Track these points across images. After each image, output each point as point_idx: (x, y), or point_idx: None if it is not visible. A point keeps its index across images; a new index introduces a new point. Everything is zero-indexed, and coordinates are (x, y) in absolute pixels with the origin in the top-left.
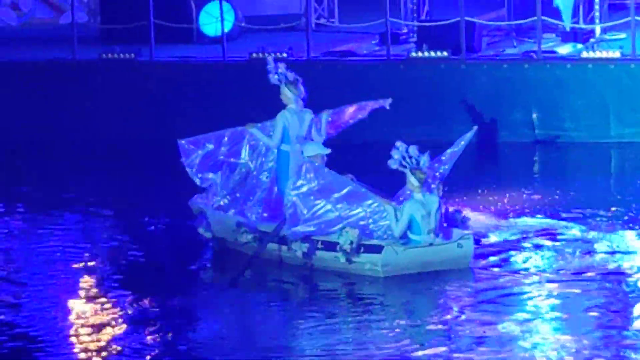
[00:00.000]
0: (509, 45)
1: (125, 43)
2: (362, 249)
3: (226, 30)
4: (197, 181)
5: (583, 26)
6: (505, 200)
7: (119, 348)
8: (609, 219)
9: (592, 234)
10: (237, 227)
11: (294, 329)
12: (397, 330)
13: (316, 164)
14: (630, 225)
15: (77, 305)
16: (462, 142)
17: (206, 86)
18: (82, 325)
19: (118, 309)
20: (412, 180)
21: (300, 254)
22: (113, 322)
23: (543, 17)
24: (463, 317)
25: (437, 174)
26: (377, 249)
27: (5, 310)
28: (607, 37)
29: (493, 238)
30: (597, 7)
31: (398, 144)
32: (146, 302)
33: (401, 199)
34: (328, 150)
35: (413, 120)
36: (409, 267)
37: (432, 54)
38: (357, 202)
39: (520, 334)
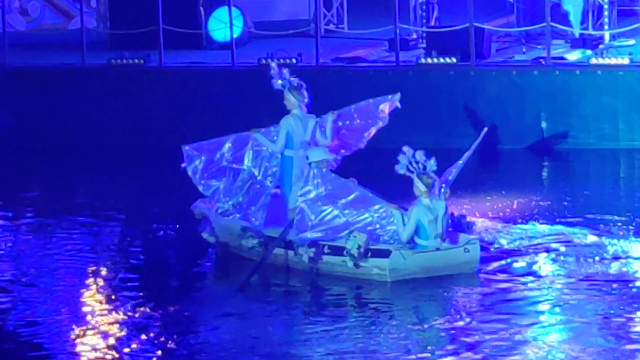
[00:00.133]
0: (518, 51)
1: (134, 49)
2: (369, 254)
3: (235, 36)
4: (200, 188)
5: (592, 32)
6: (514, 206)
7: (124, 352)
8: (617, 225)
9: (600, 240)
10: (242, 231)
11: (300, 335)
12: (405, 335)
13: (323, 169)
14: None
15: (82, 309)
16: (474, 144)
17: (215, 92)
18: (88, 329)
19: (123, 313)
20: (419, 185)
21: (306, 258)
22: (118, 327)
23: (552, 24)
24: (470, 322)
25: (449, 177)
26: (385, 254)
27: (12, 312)
28: (616, 43)
29: (501, 244)
30: (606, 13)
31: (405, 148)
32: (151, 307)
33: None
34: (333, 156)
35: (422, 127)
36: (416, 271)
37: (441, 60)
38: (364, 207)
39: (527, 339)
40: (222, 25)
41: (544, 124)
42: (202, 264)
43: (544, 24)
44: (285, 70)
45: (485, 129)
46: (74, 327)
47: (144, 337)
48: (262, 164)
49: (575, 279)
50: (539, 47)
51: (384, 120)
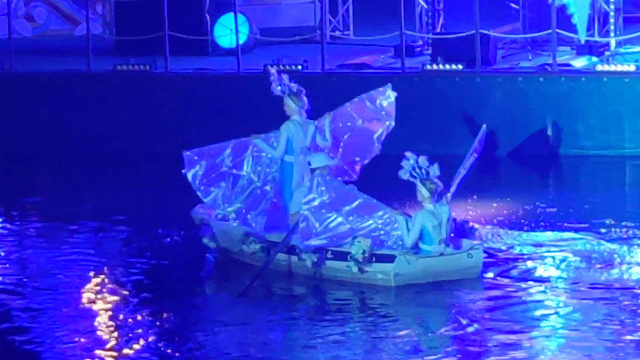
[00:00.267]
0: (524, 58)
1: (140, 55)
2: (374, 259)
3: (241, 42)
4: (199, 193)
5: (598, 39)
6: (520, 213)
7: (122, 357)
8: (623, 231)
9: (605, 247)
10: (244, 236)
11: (303, 340)
12: (409, 341)
13: (327, 176)
14: None
15: (87, 317)
16: (474, 145)
17: (221, 98)
18: (91, 337)
19: (124, 319)
20: (423, 191)
21: (309, 263)
22: (118, 332)
23: (558, 30)
24: (474, 328)
25: (452, 184)
26: (389, 259)
27: (18, 318)
28: (622, 50)
29: (506, 250)
30: (612, 20)
31: (408, 154)
32: (153, 312)
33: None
34: (335, 162)
35: (427, 133)
36: (420, 276)
37: (447, 66)
38: (368, 214)
39: (531, 346)
40: (228, 32)
41: (549, 131)
42: (204, 270)
43: (550, 30)
44: (284, 76)
45: (484, 127)
46: (79, 333)
47: (143, 342)
48: (262, 170)
49: (580, 285)
50: (544, 53)
51: (390, 119)
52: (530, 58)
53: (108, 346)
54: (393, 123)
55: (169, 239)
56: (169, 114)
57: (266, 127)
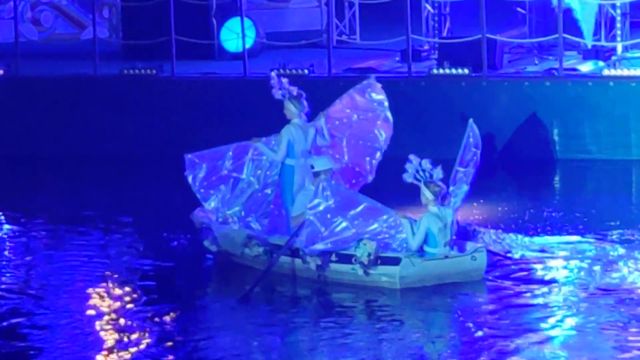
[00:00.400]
0: (530, 62)
1: (146, 59)
2: (379, 261)
3: (247, 46)
4: (199, 196)
5: (605, 44)
6: (526, 217)
7: None
8: (629, 236)
9: (611, 252)
10: (247, 239)
11: (308, 343)
12: (413, 345)
13: (333, 181)
14: None
15: (90, 320)
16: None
17: (227, 102)
18: (93, 340)
19: (129, 323)
20: (427, 194)
21: (313, 266)
22: (123, 337)
23: (564, 35)
24: (478, 332)
25: (459, 191)
26: (395, 261)
27: (22, 320)
28: (628, 55)
29: (511, 253)
30: (618, 24)
31: (411, 157)
32: (158, 318)
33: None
34: (338, 165)
35: (434, 137)
36: (425, 279)
37: (454, 71)
38: (373, 218)
39: (536, 349)
40: (235, 36)
41: (555, 135)
42: (207, 273)
43: (557, 35)
44: (284, 80)
45: (471, 121)
46: (82, 336)
47: (145, 346)
48: (262, 174)
49: (585, 290)
50: (551, 58)
51: (385, 109)
52: (536, 62)
53: (110, 349)
54: (389, 113)
55: (175, 242)
56: (176, 117)
57: (272, 131)
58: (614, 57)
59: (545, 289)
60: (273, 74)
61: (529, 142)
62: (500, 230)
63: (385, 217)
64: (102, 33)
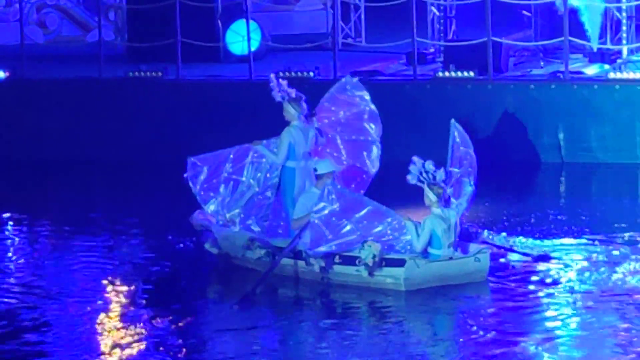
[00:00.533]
0: (536, 65)
1: (151, 61)
2: (383, 263)
3: (253, 49)
4: (198, 198)
5: (610, 47)
6: (531, 220)
7: None
8: (634, 239)
9: (616, 255)
10: (250, 242)
11: (312, 346)
12: (418, 347)
13: (338, 185)
14: None
15: (93, 322)
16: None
17: (233, 105)
18: (97, 342)
19: (133, 325)
20: (430, 196)
21: (317, 268)
22: (127, 340)
23: (570, 38)
24: (483, 335)
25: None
26: (400, 263)
27: (28, 322)
28: (634, 58)
29: (517, 257)
30: (624, 27)
31: (415, 158)
32: (161, 320)
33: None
34: (340, 167)
35: (439, 140)
36: (429, 280)
37: (459, 74)
38: (377, 220)
39: (540, 352)
40: (240, 39)
41: (561, 138)
42: (211, 276)
43: (562, 38)
44: (283, 82)
45: (453, 121)
46: (85, 340)
47: (148, 349)
48: (262, 176)
49: (590, 292)
50: (556, 61)
51: (367, 103)
52: (542, 65)
53: (112, 350)
54: (373, 106)
55: (181, 245)
56: (181, 120)
57: (278, 133)
58: (619, 60)
59: (549, 292)
60: (272, 76)
61: (534, 145)
62: (504, 232)
63: (389, 219)
64: (108, 35)
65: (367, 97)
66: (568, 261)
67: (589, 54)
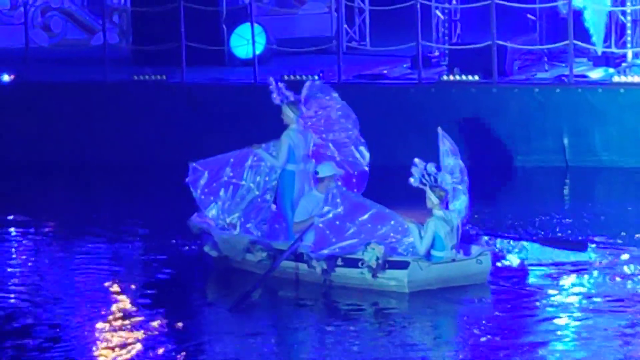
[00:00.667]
0: (540, 69)
1: (156, 65)
2: (387, 265)
3: (257, 52)
4: (199, 203)
5: (615, 50)
6: (536, 223)
7: None
8: (638, 243)
9: (619, 258)
10: (251, 245)
11: (314, 348)
12: (423, 348)
13: (344, 188)
14: None
15: (95, 325)
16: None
17: (237, 108)
18: (99, 344)
19: (135, 329)
20: (432, 198)
21: (319, 270)
22: (129, 343)
23: (575, 42)
24: (486, 338)
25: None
26: (403, 265)
27: (31, 326)
28: (639, 61)
29: (521, 260)
30: (629, 31)
31: (417, 160)
32: (163, 323)
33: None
34: (342, 171)
35: None
36: (432, 282)
37: (464, 77)
38: (381, 223)
39: (540, 356)
40: (245, 42)
41: (566, 142)
42: (215, 278)
43: (567, 41)
44: (281, 85)
45: (439, 129)
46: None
47: (150, 352)
48: (261, 180)
49: (593, 296)
50: (561, 65)
51: (338, 99)
52: (546, 69)
53: (114, 352)
54: (340, 100)
55: (186, 247)
56: (186, 123)
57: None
58: (624, 64)
59: (552, 295)
60: (271, 79)
61: (539, 149)
62: (509, 236)
63: (392, 222)
64: (112, 39)
65: (335, 94)
66: (571, 264)
67: (594, 58)
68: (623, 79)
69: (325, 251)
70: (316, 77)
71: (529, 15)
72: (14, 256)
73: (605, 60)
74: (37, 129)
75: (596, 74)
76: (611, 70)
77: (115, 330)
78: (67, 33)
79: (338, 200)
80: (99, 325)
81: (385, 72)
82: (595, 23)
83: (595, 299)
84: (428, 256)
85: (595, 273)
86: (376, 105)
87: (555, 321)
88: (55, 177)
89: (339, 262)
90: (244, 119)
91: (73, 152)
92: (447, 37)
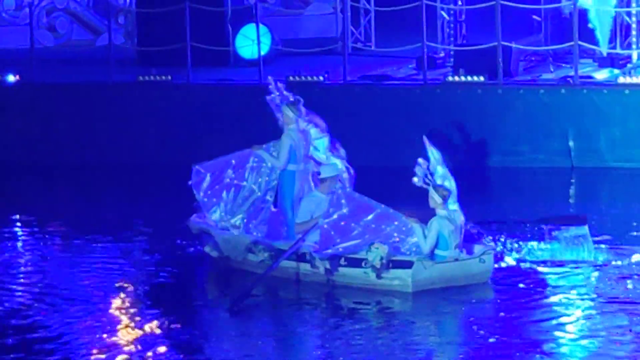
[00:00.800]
0: (545, 70)
1: (161, 65)
2: (390, 265)
3: (263, 53)
4: (202, 206)
5: (620, 52)
6: (541, 225)
7: None
8: None
9: (624, 259)
10: (253, 245)
11: (316, 349)
12: (426, 349)
13: (348, 188)
14: None
15: (95, 325)
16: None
17: (242, 109)
18: (99, 345)
19: (139, 329)
20: (435, 197)
21: (322, 270)
22: (132, 343)
23: (580, 43)
24: (489, 338)
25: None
26: (407, 265)
27: (35, 326)
28: None
29: (526, 260)
30: (634, 32)
31: (420, 160)
32: (166, 323)
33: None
34: (344, 171)
35: (449, 145)
36: (436, 282)
37: (469, 78)
38: (385, 223)
39: (543, 358)
40: (250, 43)
41: (571, 143)
42: (218, 279)
43: (572, 42)
44: (281, 85)
45: (424, 137)
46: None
47: (152, 353)
48: (262, 181)
49: (598, 297)
50: (566, 65)
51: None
52: (552, 70)
53: (112, 353)
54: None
55: (192, 249)
56: (191, 124)
57: None
58: (629, 65)
59: (556, 296)
60: (270, 79)
61: (544, 150)
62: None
63: (396, 222)
64: (118, 39)
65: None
66: (576, 265)
67: (599, 59)
68: (628, 79)
69: (329, 251)
70: (321, 78)
71: (534, 17)
72: (18, 257)
73: (611, 61)
74: (42, 130)
75: (601, 75)
76: (616, 71)
77: (115, 330)
78: (73, 34)
79: (343, 201)
80: (99, 324)
81: (387, 70)
82: (600, 24)
83: (599, 299)
84: (432, 255)
85: (600, 273)
86: (381, 106)
87: (559, 321)
88: (59, 177)
89: (342, 261)
90: (250, 119)
91: (78, 153)
92: (453, 38)
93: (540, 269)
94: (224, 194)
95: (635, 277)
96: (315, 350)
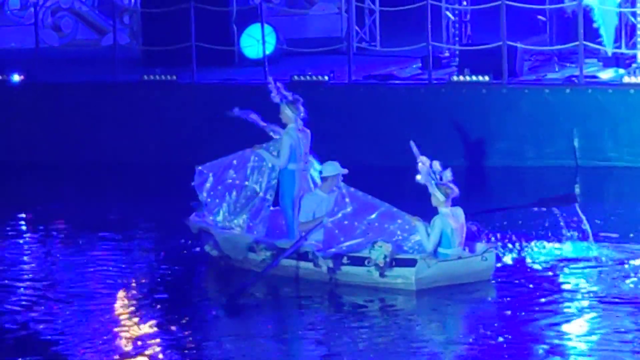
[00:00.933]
0: (550, 69)
1: (166, 65)
2: (394, 263)
3: (268, 52)
4: (205, 206)
5: (625, 51)
6: (545, 224)
7: None
8: None
9: (629, 259)
10: (255, 244)
11: (319, 348)
12: (429, 350)
13: (352, 188)
14: None
15: (96, 326)
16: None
17: (247, 109)
18: (105, 345)
19: (140, 329)
20: (438, 195)
21: (325, 269)
22: (133, 344)
23: (585, 42)
24: (494, 338)
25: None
26: (410, 263)
27: (36, 325)
28: None
29: (530, 259)
30: (639, 32)
31: (422, 158)
32: (169, 323)
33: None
34: (345, 170)
35: (454, 144)
36: (439, 280)
37: (474, 78)
38: (389, 222)
39: (548, 357)
40: (255, 42)
41: (576, 142)
42: (221, 279)
43: (577, 42)
44: (280, 84)
45: (411, 142)
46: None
47: (152, 353)
48: (263, 180)
49: (601, 297)
50: (571, 65)
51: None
52: (557, 70)
53: (117, 353)
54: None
55: (197, 249)
56: (196, 124)
57: None
58: (634, 65)
59: (562, 296)
60: (270, 78)
61: (549, 149)
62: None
63: (400, 221)
64: (123, 39)
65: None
66: (581, 264)
67: (604, 59)
68: (633, 79)
69: (333, 250)
70: (326, 78)
71: (539, 16)
72: (23, 256)
73: (616, 61)
74: (48, 129)
75: (606, 74)
76: (621, 70)
77: (115, 329)
78: (78, 33)
79: (347, 199)
80: (100, 323)
81: (395, 72)
82: (605, 24)
83: (604, 298)
84: (435, 253)
85: (605, 273)
86: (386, 105)
87: (562, 319)
88: (64, 177)
89: (345, 260)
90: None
91: (83, 152)
92: (458, 38)
93: (543, 266)
94: (227, 195)
95: None
96: (318, 348)
